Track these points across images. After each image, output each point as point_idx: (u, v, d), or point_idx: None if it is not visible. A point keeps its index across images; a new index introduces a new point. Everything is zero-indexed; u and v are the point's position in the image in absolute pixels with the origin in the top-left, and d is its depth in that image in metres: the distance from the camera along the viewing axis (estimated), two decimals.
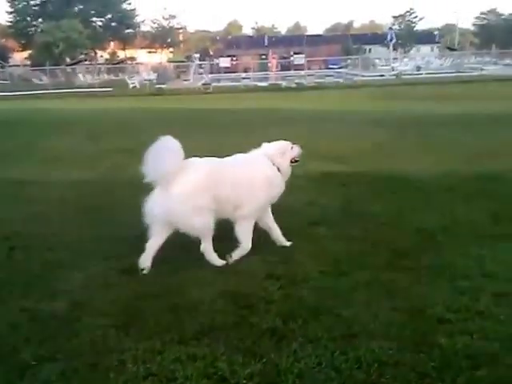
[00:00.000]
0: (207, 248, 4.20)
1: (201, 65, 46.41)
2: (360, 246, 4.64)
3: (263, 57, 51.69)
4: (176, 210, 3.99)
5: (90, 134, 12.78)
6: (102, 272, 4.23)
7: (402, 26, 77.15)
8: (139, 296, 3.73)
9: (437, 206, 5.79)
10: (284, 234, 4.74)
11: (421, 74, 36.68)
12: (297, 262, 4.32)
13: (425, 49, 73.78)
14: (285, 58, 49.94)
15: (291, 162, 4.59)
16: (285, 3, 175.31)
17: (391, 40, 39.57)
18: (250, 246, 4.34)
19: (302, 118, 15.51)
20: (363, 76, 35.48)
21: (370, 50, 70.18)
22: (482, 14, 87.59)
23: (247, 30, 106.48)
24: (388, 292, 3.69)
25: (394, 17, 79.79)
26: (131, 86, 35.81)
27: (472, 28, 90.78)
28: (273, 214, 4.85)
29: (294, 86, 31.23)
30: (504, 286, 3.72)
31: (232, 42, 79.53)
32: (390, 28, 44.74)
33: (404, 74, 35.49)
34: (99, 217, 5.75)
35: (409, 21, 78.42)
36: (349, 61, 47.78)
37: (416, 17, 79.24)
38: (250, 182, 4.30)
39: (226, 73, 45.62)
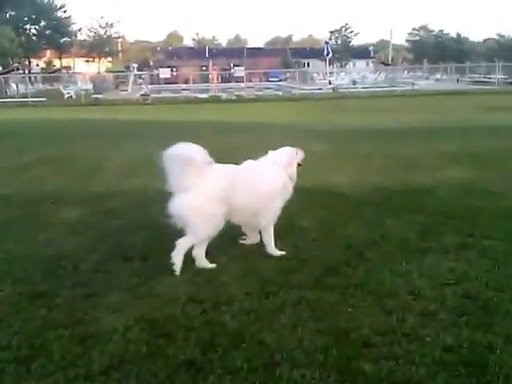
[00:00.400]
0: (200, 252, 4.31)
1: (140, 75, 45.67)
2: (289, 264, 4.50)
3: (204, 68, 51.54)
4: (189, 216, 4.12)
5: (15, 145, 12.17)
6: (8, 297, 3.87)
7: (339, 41, 79.16)
8: (48, 325, 3.41)
9: (367, 221, 5.75)
10: (210, 252, 4.55)
11: (356, 87, 37.58)
12: (222, 282, 4.11)
13: (361, 63, 76.03)
14: (225, 69, 50.01)
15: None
16: (226, 15, 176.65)
17: (328, 54, 40.35)
18: (275, 248, 4.64)
19: (241, 129, 15.44)
20: (302, 89, 35.95)
21: (308, 63, 71.49)
22: (414, 30, 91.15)
23: (188, 41, 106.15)
24: (314, 312, 3.55)
25: (331, 32, 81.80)
26: (66, 96, 34.69)
27: (405, 44, 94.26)
28: None
29: (234, 98, 31.22)
30: (430, 304, 3.66)
31: (173, 52, 78.95)
32: (326, 42, 45.60)
33: (340, 88, 36.25)
34: (10, 234, 5.35)
35: (345, 36, 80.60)
36: (288, 74, 48.37)
37: (352, 32, 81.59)
38: (266, 189, 4.45)
39: (166, 84, 45.04)
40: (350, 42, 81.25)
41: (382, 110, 21.31)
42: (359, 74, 49.22)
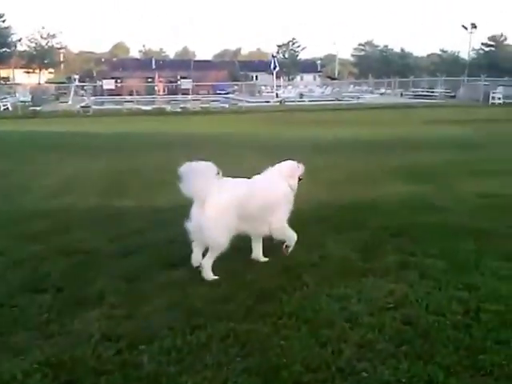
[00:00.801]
0: (209, 263, 4.41)
1: (83, 86, 44.48)
2: (221, 291, 4.16)
3: (149, 80, 50.79)
4: (208, 229, 4.31)
5: None
6: None
7: (286, 55, 80.00)
8: None
9: (309, 240, 5.45)
10: (134, 279, 4.18)
11: (303, 101, 37.88)
12: (144, 315, 3.73)
13: (308, 77, 77.09)
14: (172, 81, 49.35)
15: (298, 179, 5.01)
16: (173, 27, 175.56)
17: (275, 68, 40.51)
18: (295, 235, 4.80)
19: (182, 142, 15.05)
20: (249, 102, 35.89)
21: (256, 76, 71.77)
22: (359, 45, 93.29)
23: (134, 53, 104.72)
24: (243, 348, 3.23)
25: (279, 45, 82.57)
26: (3, 107, 33.31)
27: (351, 58, 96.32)
28: (130, 253, 4.36)
29: (179, 110, 30.74)
30: (368, 332, 3.40)
31: (118, 64, 77.58)
32: (273, 56, 45.80)
33: (288, 101, 36.44)
34: None
35: (292, 50, 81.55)
36: (236, 87, 48.33)
37: (299, 46, 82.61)
38: (273, 200, 4.73)
39: (110, 95, 43.97)
40: (297, 55, 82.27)
41: (328, 123, 21.38)
42: (306, 88, 49.80)
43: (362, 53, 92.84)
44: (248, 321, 3.62)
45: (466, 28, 64.82)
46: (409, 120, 23.15)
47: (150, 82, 49.95)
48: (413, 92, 45.38)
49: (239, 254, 4.93)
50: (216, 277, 4.40)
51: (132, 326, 3.56)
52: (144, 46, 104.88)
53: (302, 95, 41.97)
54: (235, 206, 4.39)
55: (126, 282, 4.39)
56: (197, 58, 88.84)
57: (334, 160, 10.93)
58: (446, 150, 12.41)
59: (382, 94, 47.97)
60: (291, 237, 4.82)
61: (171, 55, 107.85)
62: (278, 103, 35.02)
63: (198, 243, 4.49)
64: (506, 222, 5.98)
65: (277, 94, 38.59)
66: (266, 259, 4.79)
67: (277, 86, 42.06)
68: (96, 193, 8.29)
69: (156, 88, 45.11)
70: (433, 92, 43.68)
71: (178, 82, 43.53)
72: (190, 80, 42.10)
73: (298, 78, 76.90)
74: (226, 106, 33.03)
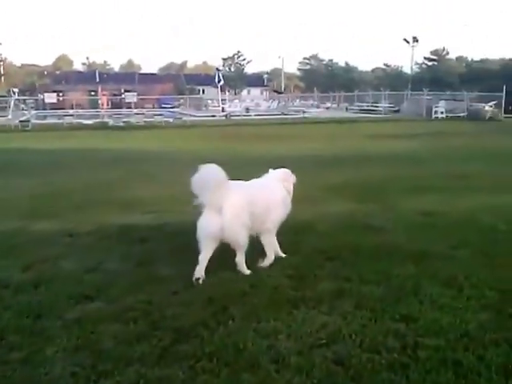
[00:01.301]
0: (241, 259, 4.80)
1: (24, 100, 42.79)
2: (138, 328, 3.73)
3: (93, 93, 49.51)
4: (229, 228, 4.62)
5: None
6: None
7: (232, 69, 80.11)
8: None
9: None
10: (42, 314, 3.72)
11: (249, 115, 37.71)
12: (44, 360, 3.27)
13: (255, 91, 77.34)
14: (116, 95, 48.20)
15: None
16: (119, 41, 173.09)
17: (219, 81, 40.24)
18: (273, 257, 5.08)
19: (122, 158, 14.45)
20: (195, 116, 35.43)
21: (203, 90, 71.39)
22: (305, 59, 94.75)
23: (78, 66, 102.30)
24: None
25: (224, 59, 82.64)
26: None
27: (297, 72, 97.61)
28: (42, 284, 4.24)
29: (121, 124, 29.86)
30: (295, 376, 3.06)
31: (60, 77, 75.48)
32: (218, 69, 45.52)
33: (233, 115, 36.18)
34: None
35: (238, 63, 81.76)
36: (182, 100, 47.74)
37: (244, 60, 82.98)
38: (272, 201, 5.08)
39: (52, 109, 42.49)
40: (243, 69, 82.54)
41: (272, 138, 21.17)
42: (253, 102, 49.76)
43: (308, 67, 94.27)
44: (162, 364, 3.21)
45: (407, 42, 66.79)
46: (353, 135, 23.28)
47: (93, 96, 48.65)
48: (358, 106, 46.07)
49: (159, 286, 4.52)
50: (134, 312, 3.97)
51: (28, 373, 3.08)
52: (88, 58, 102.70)
53: (248, 109, 41.79)
54: (247, 205, 4.74)
55: (32, 318, 3.91)
56: (142, 71, 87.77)
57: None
58: (389, 166, 12.37)
59: (327, 108, 48.45)
60: (271, 254, 5.07)
61: (116, 68, 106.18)
62: (223, 117, 34.72)
63: (210, 248, 4.70)
64: (446, 242, 5.80)
65: (223, 109, 38.26)
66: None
67: (222, 99, 41.74)
68: (19, 215, 7.63)
69: (99, 101, 43.91)
70: (377, 107, 44.40)
71: (122, 96, 42.52)
72: (135, 93, 41.19)
73: (245, 91, 77.07)
74: (171, 120, 32.38)
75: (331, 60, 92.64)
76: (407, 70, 75.29)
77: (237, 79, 74.83)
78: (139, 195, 8.78)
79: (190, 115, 35.47)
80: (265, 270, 4.91)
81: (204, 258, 4.68)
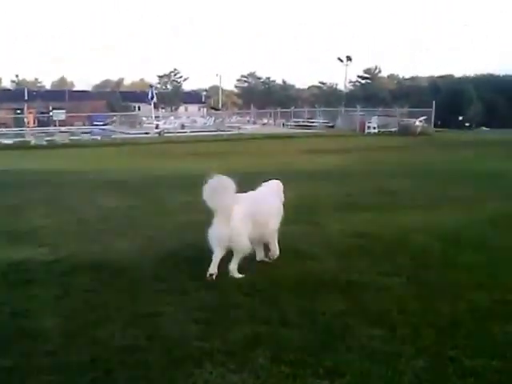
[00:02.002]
0: (235, 266, 4.97)
1: None
2: None
3: (18, 112, 47.10)
4: (236, 237, 4.94)
5: None
6: None
7: (169, 86, 79.05)
8: None
9: (140, 310, 4.33)
10: None
11: (185, 132, 36.81)
12: None
13: (193, 108, 76.41)
14: (43, 113, 45.99)
15: None
16: (50, 58, 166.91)
17: (152, 98, 39.20)
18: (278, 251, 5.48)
19: (23, 181, 13.13)
20: (128, 133, 34.14)
21: (139, 107, 69.74)
22: (242, 76, 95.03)
23: (7, 83, 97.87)
24: None
25: (160, 76, 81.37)
26: None
27: (235, 90, 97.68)
28: None
29: (44, 143, 28.17)
30: None
31: None
32: (151, 86, 44.52)
33: (168, 132, 35.20)
34: None
35: (174, 80, 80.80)
36: (114, 118, 46.17)
37: (181, 77, 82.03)
38: (272, 209, 5.47)
39: None
40: (179, 86, 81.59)
41: (205, 155, 20.40)
42: (189, 118, 48.86)
43: (245, 84, 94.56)
44: None
45: (341, 60, 68.17)
46: (289, 150, 22.92)
47: (19, 114, 46.24)
48: (294, 122, 46.19)
49: (31, 345, 3.62)
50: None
51: None
52: (17, 76, 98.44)
53: (183, 126, 40.86)
54: (251, 215, 5.05)
55: None
56: (75, 89, 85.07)
57: (197, 198, 9.85)
58: (321, 182, 11.92)
59: (264, 124, 48.31)
60: (275, 249, 5.49)
61: (47, 85, 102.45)
62: (156, 134, 33.63)
63: (221, 251, 4.97)
64: (378, 269, 5.25)
65: (157, 125, 37.09)
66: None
67: (156, 116, 40.65)
68: None
69: (25, 120, 41.69)
70: (313, 122, 44.73)
71: (50, 114, 40.56)
72: (63, 111, 39.45)
73: (182, 108, 76.08)
74: (99, 138, 30.94)
75: (268, 78, 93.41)
76: (342, 87, 76.90)
77: (173, 96, 73.74)
78: (36, 224, 7.69)
79: (122, 133, 34.11)
80: (170, 315, 4.13)
81: (217, 256, 4.95)
